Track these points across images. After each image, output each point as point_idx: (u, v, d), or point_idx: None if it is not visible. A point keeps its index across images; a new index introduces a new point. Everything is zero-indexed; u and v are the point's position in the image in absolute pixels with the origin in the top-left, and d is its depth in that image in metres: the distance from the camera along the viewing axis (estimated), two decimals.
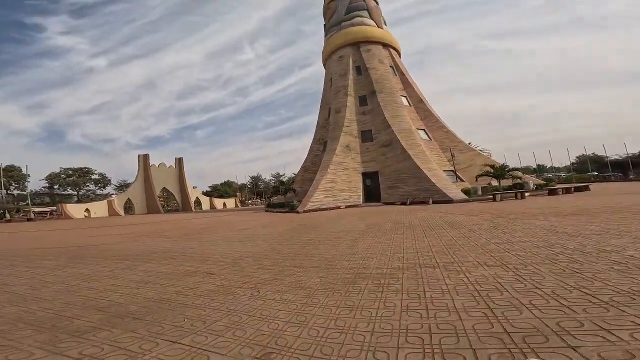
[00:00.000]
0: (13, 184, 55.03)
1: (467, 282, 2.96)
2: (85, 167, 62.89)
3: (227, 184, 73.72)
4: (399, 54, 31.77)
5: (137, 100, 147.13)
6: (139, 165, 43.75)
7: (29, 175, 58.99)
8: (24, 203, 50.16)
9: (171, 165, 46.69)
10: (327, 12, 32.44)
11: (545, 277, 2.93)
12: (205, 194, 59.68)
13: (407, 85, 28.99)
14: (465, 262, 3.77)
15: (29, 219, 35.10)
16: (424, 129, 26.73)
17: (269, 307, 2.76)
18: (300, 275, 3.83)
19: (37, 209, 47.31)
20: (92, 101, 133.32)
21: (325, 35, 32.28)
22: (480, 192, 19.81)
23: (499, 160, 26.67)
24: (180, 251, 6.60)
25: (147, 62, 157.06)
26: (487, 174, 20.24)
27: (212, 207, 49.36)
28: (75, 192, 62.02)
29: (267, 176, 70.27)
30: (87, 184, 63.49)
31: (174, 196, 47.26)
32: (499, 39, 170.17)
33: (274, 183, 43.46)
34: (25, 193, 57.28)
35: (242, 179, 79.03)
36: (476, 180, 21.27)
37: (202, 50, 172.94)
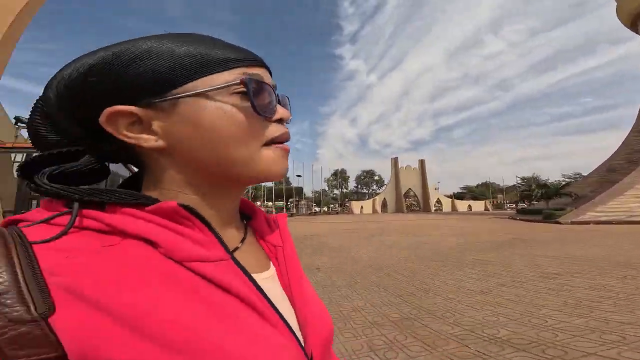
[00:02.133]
0: (343, 184, 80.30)
1: None
2: (370, 170, 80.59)
3: (485, 185, 66.84)
4: None
5: (400, 107, 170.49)
6: (391, 168, 50.13)
7: (348, 177, 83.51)
8: (345, 200, 70.99)
9: (415, 167, 49.33)
10: None
11: None
12: (456, 195, 57.32)
13: None
14: None
15: (310, 214, 48.75)
16: None
17: None
18: None
19: (347, 204, 62.37)
20: (375, 112, 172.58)
21: None
22: None
23: None
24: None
25: (397, 73, 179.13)
26: None
27: (454, 209, 46.23)
28: (366, 191, 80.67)
29: (555, 177, 53.80)
30: (372, 184, 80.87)
31: (417, 197, 49.52)
32: None
33: (529, 186, 30.87)
34: (347, 191, 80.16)
35: (510, 180, 67.30)
36: None
37: (438, 52, 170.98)
